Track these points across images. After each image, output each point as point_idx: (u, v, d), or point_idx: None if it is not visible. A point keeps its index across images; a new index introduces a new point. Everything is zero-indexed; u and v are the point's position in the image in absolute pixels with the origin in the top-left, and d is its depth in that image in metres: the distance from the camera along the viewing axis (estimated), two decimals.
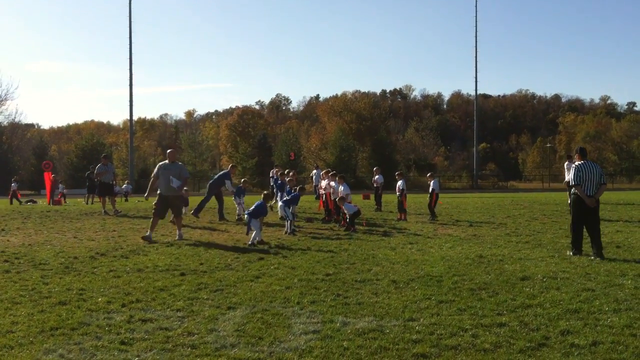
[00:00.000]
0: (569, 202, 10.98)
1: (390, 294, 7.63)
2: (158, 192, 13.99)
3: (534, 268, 9.29)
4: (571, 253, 10.60)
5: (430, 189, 18.55)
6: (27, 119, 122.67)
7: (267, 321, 6.32)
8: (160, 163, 14.36)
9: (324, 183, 18.85)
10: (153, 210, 14.07)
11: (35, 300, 7.47)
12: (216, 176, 19.95)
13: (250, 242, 12.49)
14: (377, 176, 22.78)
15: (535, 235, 13.70)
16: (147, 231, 13.82)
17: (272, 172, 30.25)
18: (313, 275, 8.91)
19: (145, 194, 14.69)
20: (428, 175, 19.84)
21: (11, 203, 32.31)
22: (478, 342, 5.52)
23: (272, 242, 12.78)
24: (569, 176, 15.82)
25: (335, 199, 17.02)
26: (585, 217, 10.60)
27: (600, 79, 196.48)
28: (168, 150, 14.85)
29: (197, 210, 18.62)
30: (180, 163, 14.69)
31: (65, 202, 31.27)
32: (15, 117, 78.85)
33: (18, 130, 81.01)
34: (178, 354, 5.31)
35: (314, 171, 28.64)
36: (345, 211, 15.63)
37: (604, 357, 5.10)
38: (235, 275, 9.06)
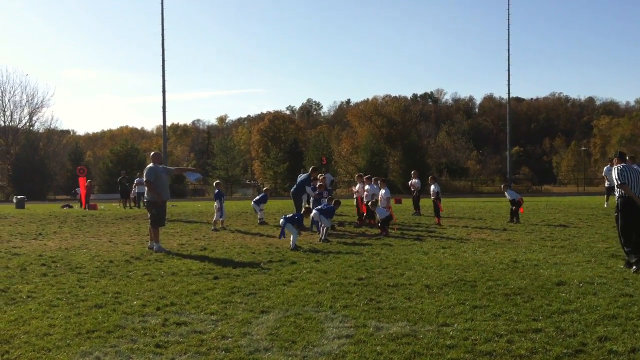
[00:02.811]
0: (616, 204, 10.18)
1: (424, 298, 7.58)
2: (149, 199, 13.03)
3: (569, 273, 9.13)
4: (628, 267, 9.32)
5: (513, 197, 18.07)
6: (62, 125, 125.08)
7: (300, 325, 6.33)
8: (152, 166, 12.91)
9: (358, 186, 18.81)
10: (151, 221, 12.89)
11: (72, 303, 7.60)
12: (297, 183, 18.59)
13: (292, 247, 12.55)
14: (414, 180, 22.59)
15: (571, 239, 13.46)
16: (152, 243, 12.84)
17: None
18: (345, 280, 8.90)
19: (160, 198, 12.87)
20: (503, 186, 19.62)
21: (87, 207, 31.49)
22: (513, 348, 5.45)
23: (305, 247, 12.81)
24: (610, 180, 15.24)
25: (367, 202, 17.00)
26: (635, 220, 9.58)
27: (635, 81, 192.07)
28: (155, 153, 13.58)
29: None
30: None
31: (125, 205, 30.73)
32: (51, 124, 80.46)
33: (54, 137, 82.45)
34: (212, 357, 5.36)
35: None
36: (377, 215, 15.60)
37: None
38: (268, 279, 9.10)
